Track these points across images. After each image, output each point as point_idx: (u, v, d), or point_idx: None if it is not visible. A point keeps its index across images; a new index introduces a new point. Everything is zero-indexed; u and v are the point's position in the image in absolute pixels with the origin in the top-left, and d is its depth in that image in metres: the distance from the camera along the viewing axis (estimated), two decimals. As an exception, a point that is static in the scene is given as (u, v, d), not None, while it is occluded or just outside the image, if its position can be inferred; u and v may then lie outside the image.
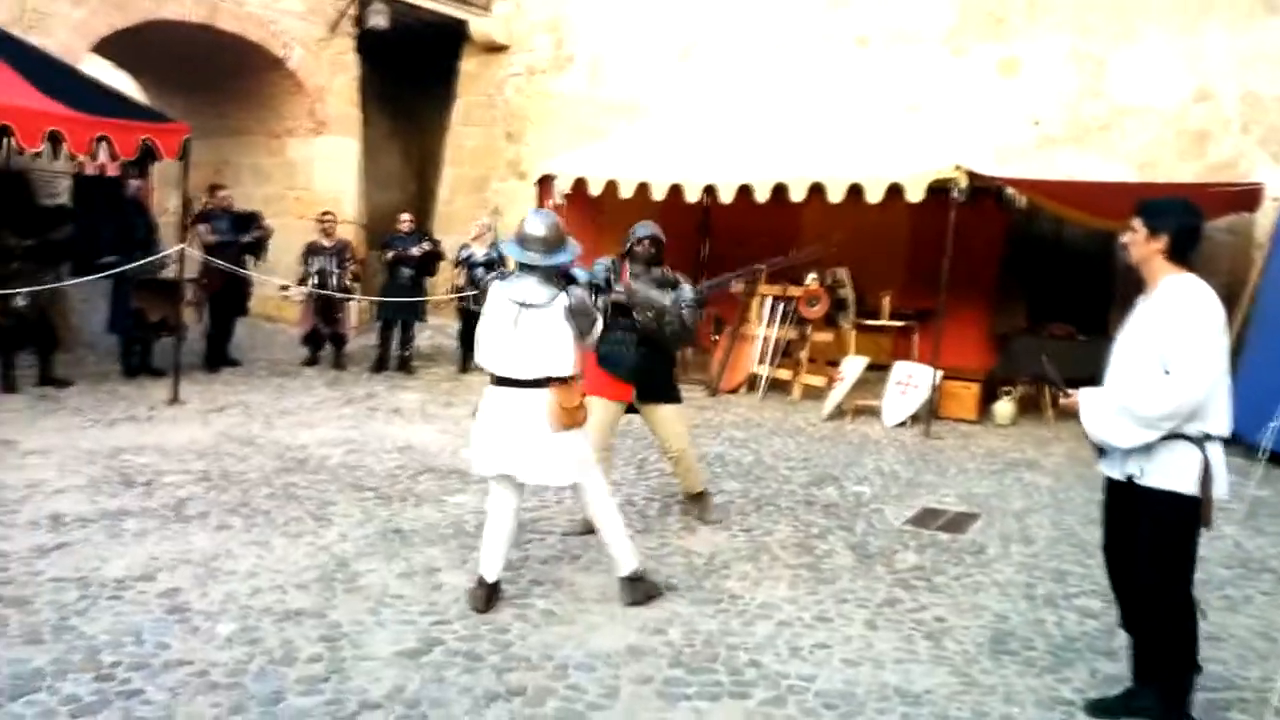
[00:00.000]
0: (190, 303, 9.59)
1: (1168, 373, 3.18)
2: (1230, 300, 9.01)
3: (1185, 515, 3.24)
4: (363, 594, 4.41)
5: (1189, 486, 3.21)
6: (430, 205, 15.68)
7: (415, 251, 10.50)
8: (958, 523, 6.02)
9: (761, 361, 10.12)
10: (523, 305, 4.21)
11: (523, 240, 4.31)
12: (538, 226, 4.27)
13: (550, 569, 4.88)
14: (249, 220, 10.22)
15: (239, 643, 3.86)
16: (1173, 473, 3.23)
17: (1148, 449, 3.23)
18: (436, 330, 13.46)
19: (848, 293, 9.96)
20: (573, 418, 4.22)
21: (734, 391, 10.16)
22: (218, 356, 10.08)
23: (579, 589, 4.61)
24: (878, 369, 9.60)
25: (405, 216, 10.96)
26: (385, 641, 3.95)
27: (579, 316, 4.22)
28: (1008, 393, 9.32)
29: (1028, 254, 10.75)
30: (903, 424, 8.99)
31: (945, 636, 4.27)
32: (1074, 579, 5.05)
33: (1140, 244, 3.29)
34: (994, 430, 9.00)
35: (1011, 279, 10.17)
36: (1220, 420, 3.24)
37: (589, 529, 5.27)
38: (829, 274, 9.96)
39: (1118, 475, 3.38)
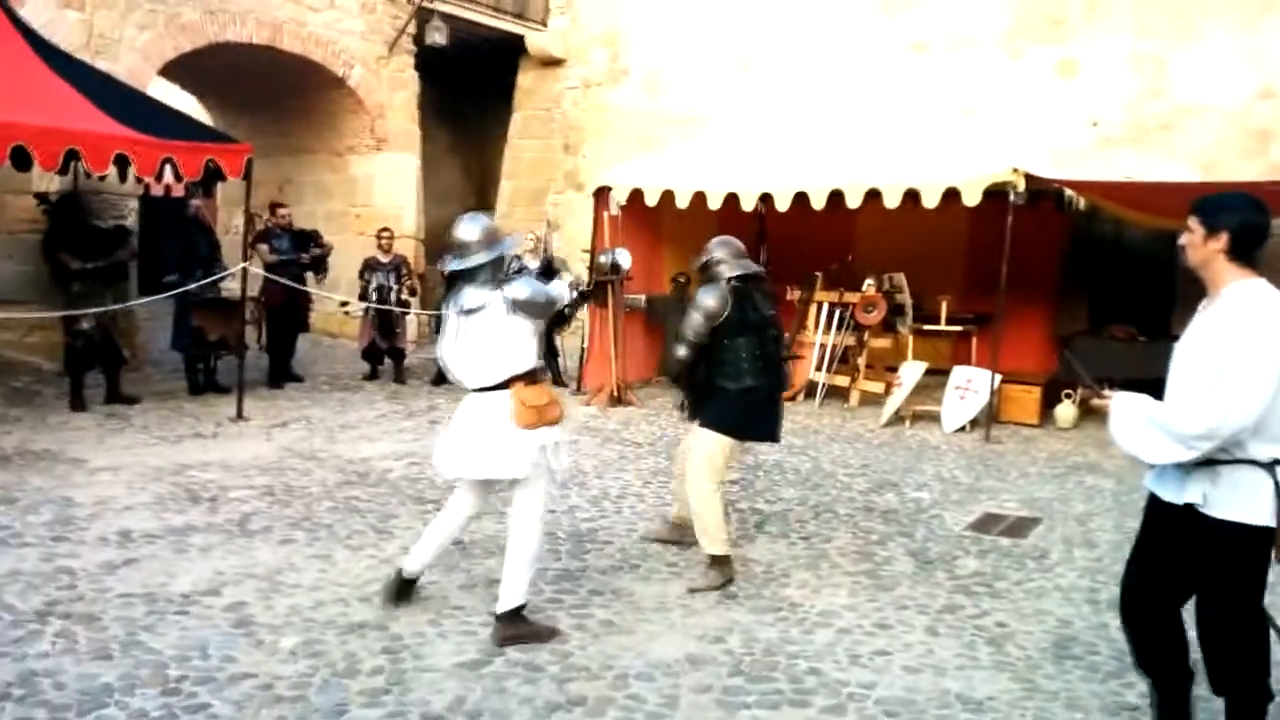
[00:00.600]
0: (250, 321, 9.72)
1: None
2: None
3: (1257, 548, 2.93)
4: (423, 606, 4.44)
5: (1261, 517, 2.88)
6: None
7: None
8: (1019, 527, 5.97)
9: (819, 368, 10.07)
10: (462, 313, 4.12)
11: (451, 248, 4.28)
12: (467, 232, 4.18)
13: (609, 579, 4.90)
14: (309, 238, 10.35)
15: (303, 655, 3.91)
16: (1242, 502, 2.90)
17: (1213, 474, 2.91)
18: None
19: (905, 298, 9.88)
20: (541, 415, 4.01)
21: (792, 399, 10.11)
22: (280, 373, 10.21)
23: (638, 598, 4.63)
24: (936, 374, 9.54)
25: None
26: (446, 653, 3.98)
27: (527, 306, 4.12)
28: (1069, 395, 9.20)
29: (1088, 256, 10.64)
30: (962, 429, 8.93)
31: (1007, 642, 4.23)
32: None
33: (1198, 245, 2.97)
34: (1055, 434, 8.91)
35: (1072, 281, 10.11)
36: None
37: (669, 537, 5.32)
38: (886, 279, 9.93)
39: (1172, 498, 3.04)
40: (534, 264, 10.51)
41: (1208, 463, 2.92)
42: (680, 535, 5.34)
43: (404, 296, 10.71)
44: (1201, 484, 2.95)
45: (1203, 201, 3.02)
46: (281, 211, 10.37)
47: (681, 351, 4.98)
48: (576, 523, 5.80)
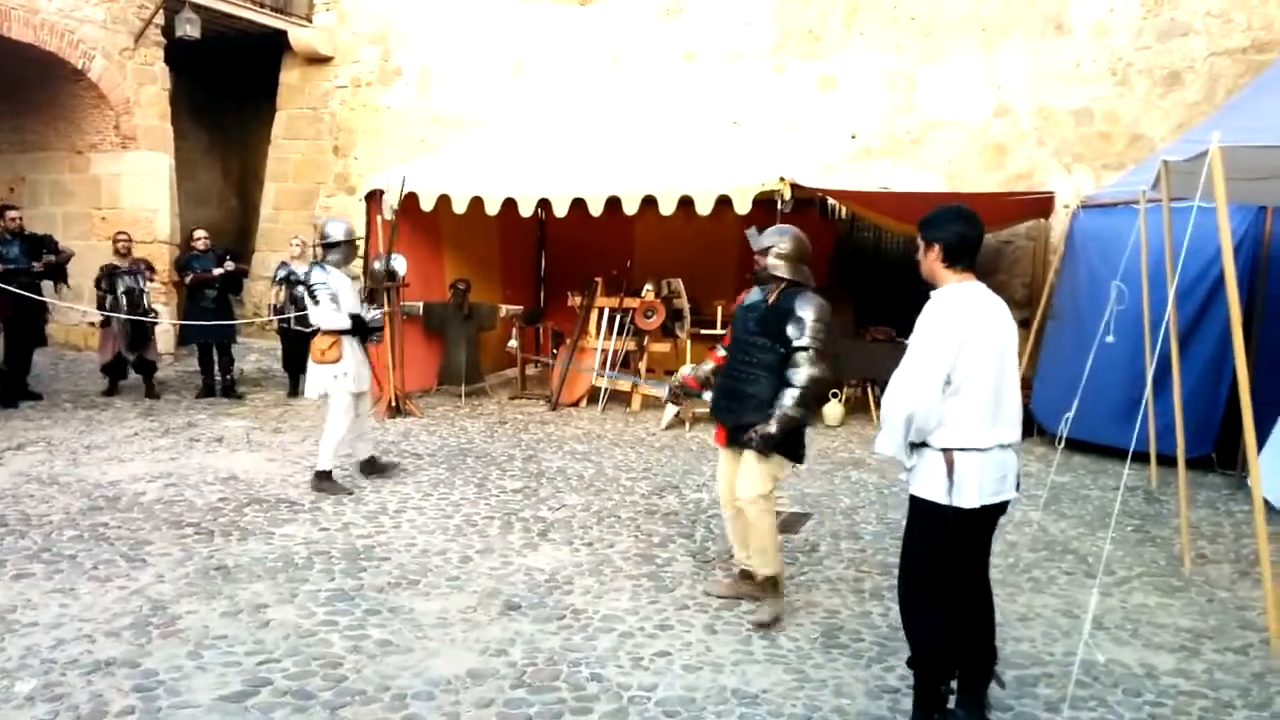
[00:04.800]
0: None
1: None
2: (1032, 300, 9.73)
3: (934, 521, 3.30)
4: (181, 637, 4.19)
5: (937, 494, 3.28)
6: (253, 221, 15.10)
7: (217, 272, 10.13)
8: (791, 523, 6.15)
9: (601, 373, 10.17)
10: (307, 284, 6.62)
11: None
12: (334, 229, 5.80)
13: (387, 596, 4.76)
14: (42, 244, 9.57)
15: (41, 700, 3.60)
16: (924, 482, 3.32)
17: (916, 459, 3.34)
18: (264, 353, 13.03)
19: (683, 303, 10.07)
20: (323, 355, 6.55)
21: (575, 404, 10.17)
22: (15, 390, 9.40)
23: (418, 615, 4.52)
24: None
25: (200, 234, 10.45)
26: (207, 687, 3.76)
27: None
28: (836, 395, 9.64)
29: (852, 261, 11.18)
30: None
31: (780, 635, 4.39)
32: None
33: (922, 256, 3.39)
34: (824, 431, 9.30)
35: (839, 286, 10.54)
36: (965, 431, 3.24)
37: (745, 592, 4.79)
38: (665, 285, 10.10)
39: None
40: (301, 269, 10.15)
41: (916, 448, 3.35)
42: (753, 589, 4.70)
43: (150, 305, 10.10)
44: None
45: (923, 220, 3.42)
46: (11, 214, 9.48)
47: (819, 370, 4.39)
48: (352, 540, 5.63)
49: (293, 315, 9.83)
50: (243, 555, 5.28)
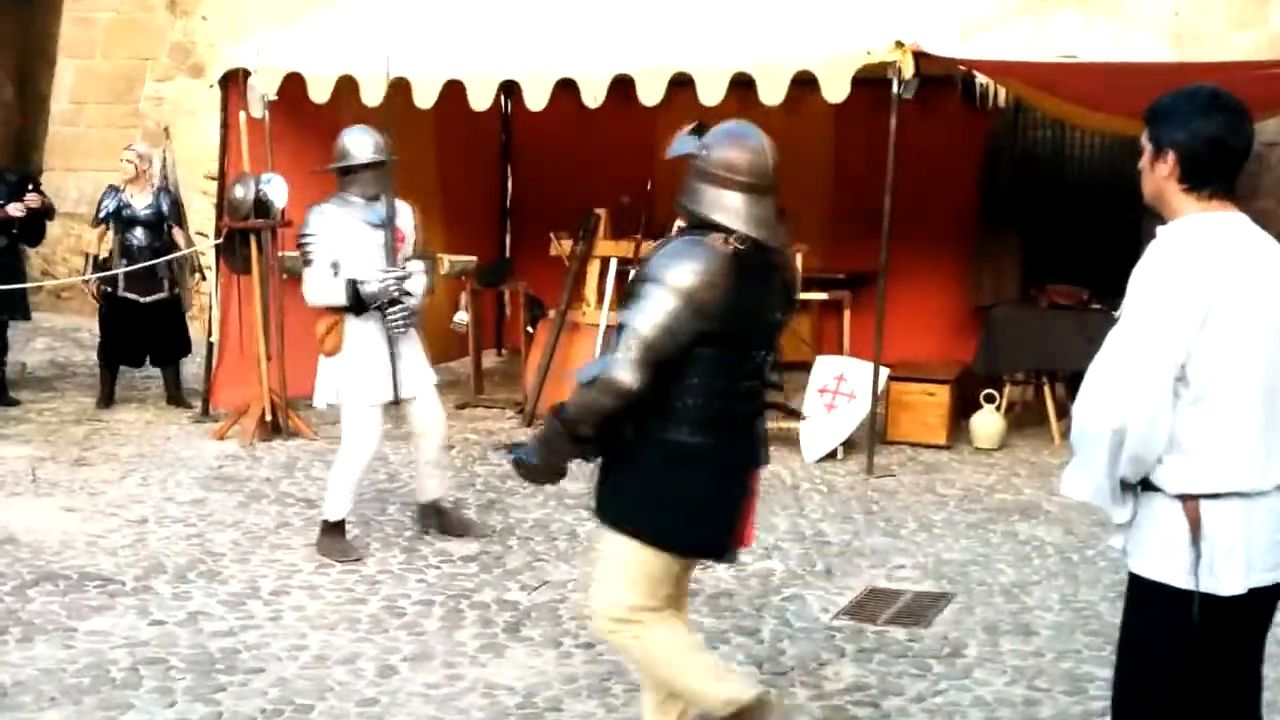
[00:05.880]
0: None
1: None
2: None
3: (1173, 616, 3.19)
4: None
5: (1173, 570, 3.19)
6: (40, 123, 15.12)
7: (15, 210, 10.18)
8: (918, 610, 6.11)
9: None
10: None
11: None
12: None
13: None
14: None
15: None
16: (1151, 549, 3.25)
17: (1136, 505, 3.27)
18: (63, 335, 13.03)
19: None
20: (320, 345, 6.92)
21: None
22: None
23: None
24: (790, 369, 9.30)
25: None
26: None
27: None
28: (992, 399, 9.50)
29: (1018, 178, 11.00)
30: (831, 455, 9.12)
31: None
32: (1099, 687, 5.02)
33: (1147, 169, 3.28)
34: (973, 458, 9.18)
35: (996, 219, 10.51)
36: (1220, 464, 3.17)
37: None
38: None
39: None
40: (143, 199, 10.29)
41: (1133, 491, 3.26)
42: None
43: None
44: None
45: (1150, 109, 3.28)
46: None
47: (624, 376, 3.97)
48: (203, 640, 5.62)
49: (120, 272, 9.89)
50: (25, 667, 5.24)
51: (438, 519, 7.23)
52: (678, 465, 4.02)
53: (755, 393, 4.24)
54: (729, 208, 4.05)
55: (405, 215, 7.18)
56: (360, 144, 7.04)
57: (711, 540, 4.22)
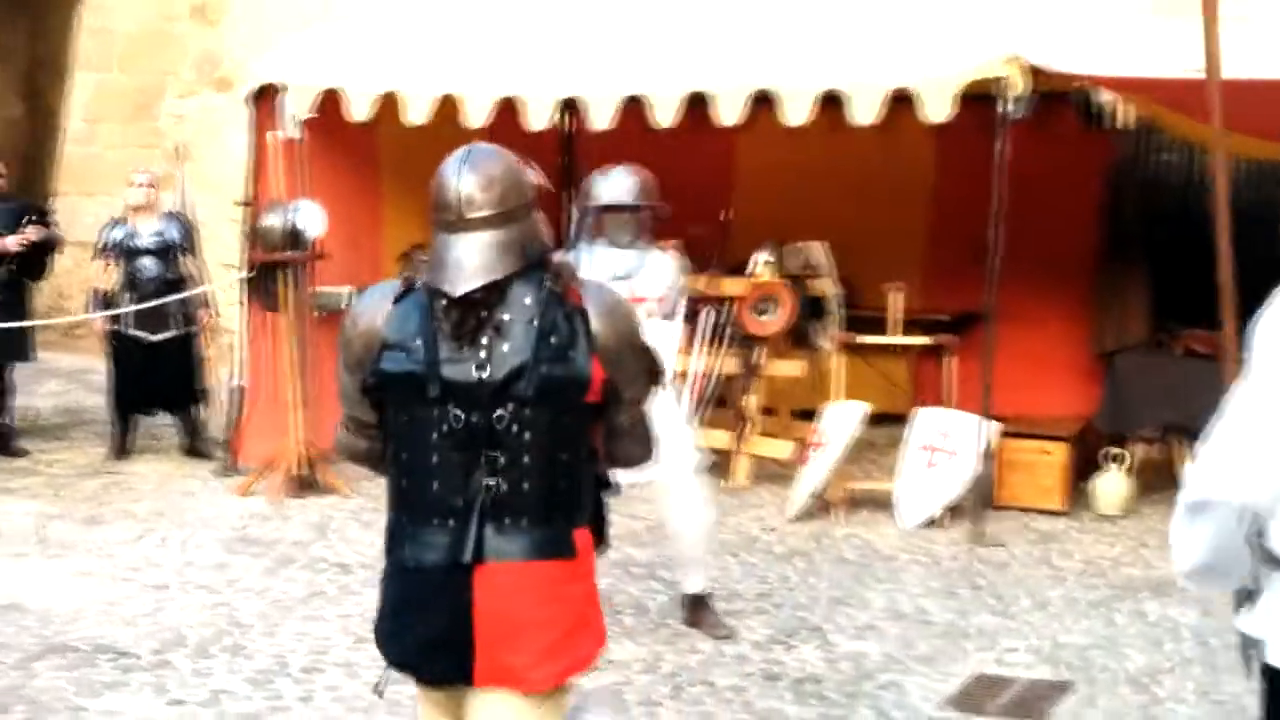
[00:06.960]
0: None
1: None
2: None
3: None
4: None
5: None
6: (51, 142, 15.08)
7: (13, 243, 10.08)
8: (1033, 700, 6.10)
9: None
10: None
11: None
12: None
13: None
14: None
15: None
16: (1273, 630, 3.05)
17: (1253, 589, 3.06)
18: (74, 377, 13.04)
19: (826, 286, 9.89)
20: None
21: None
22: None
23: None
24: (886, 422, 9.64)
25: None
26: None
27: None
28: (1118, 458, 9.32)
29: (1144, 208, 10.85)
30: (934, 522, 8.96)
31: None
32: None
33: None
34: (1094, 526, 9.05)
35: (1121, 253, 10.29)
36: None
37: None
38: (792, 253, 9.96)
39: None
40: (149, 225, 10.27)
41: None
42: None
43: None
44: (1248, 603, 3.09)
45: None
46: None
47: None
48: (226, 722, 5.70)
49: (129, 310, 9.88)
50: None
51: (704, 614, 7.08)
52: None
53: None
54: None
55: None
56: (614, 184, 7.15)
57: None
